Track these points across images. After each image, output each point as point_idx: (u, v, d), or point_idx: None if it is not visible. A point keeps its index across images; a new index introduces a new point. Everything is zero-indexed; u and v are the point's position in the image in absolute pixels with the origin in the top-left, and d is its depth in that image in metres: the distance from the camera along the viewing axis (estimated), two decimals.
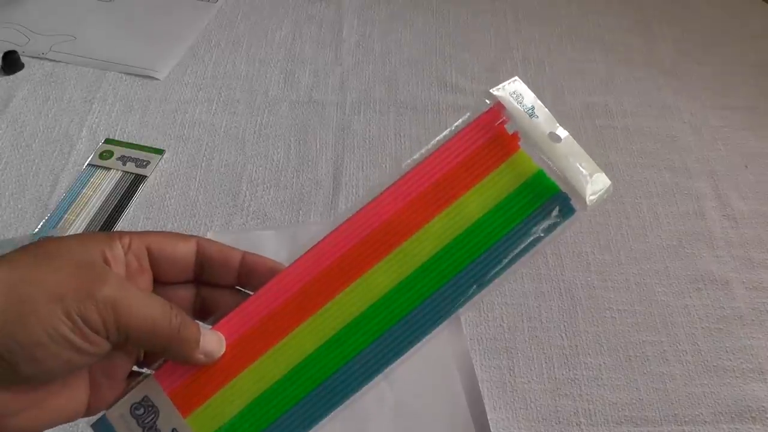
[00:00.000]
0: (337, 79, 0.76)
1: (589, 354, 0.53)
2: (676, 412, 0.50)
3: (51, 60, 0.77)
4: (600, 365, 0.52)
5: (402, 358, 0.31)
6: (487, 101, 0.33)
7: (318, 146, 0.69)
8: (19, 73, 0.75)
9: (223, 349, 0.31)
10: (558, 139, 0.33)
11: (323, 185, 0.65)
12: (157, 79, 0.76)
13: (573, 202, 0.32)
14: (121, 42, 0.80)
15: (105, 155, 0.67)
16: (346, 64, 0.78)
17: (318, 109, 0.72)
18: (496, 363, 0.52)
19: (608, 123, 0.71)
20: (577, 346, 0.53)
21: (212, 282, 0.33)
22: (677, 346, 0.53)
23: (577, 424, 0.49)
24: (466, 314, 0.55)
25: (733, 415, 0.50)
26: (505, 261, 0.32)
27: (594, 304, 0.56)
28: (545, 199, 0.32)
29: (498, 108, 0.33)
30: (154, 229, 0.58)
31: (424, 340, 0.31)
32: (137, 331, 0.27)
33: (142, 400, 0.30)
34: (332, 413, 0.31)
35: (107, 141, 0.68)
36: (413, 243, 0.32)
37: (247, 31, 0.82)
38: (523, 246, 0.32)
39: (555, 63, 0.78)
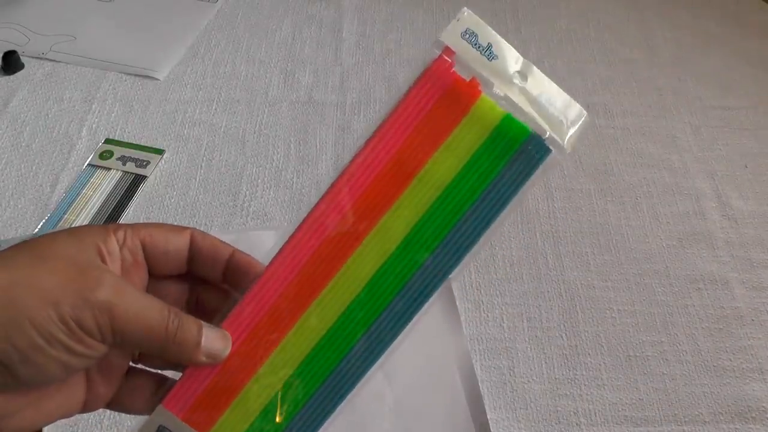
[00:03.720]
0: (337, 79, 0.76)
1: (589, 354, 0.53)
2: (676, 412, 0.50)
3: (51, 60, 0.77)
4: (600, 365, 0.52)
5: (396, 342, 0.30)
6: (437, 51, 0.30)
7: (318, 146, 0.69)
8: (19, 73, 0.75)
9: (229, 348, 0.30)
10: (524, 76, 0.30)
11: (323, 185, 0.65)
12: (157, 79, 0.76)
13: (547, 142, 0.29)
14: (121, 42, 0.80)
15: (105, 155, 0.67)
16: (346, 64, 0.78)
17: (318, 109, 0.72)
18: (496, 363, 0.52)
19: (608, 123, 0.71)
20: (577, 346, 0.53)
21: (201, 276, 0.33)
22: (677, 346, 0.53)
23: (577, 424, 0.49)
24: (466, 314, 0.55)
25: (733, 415, 0.50)
26: (487, 219, 0.30)
27: (594, 304, 0.56)
28: (518, 145, 0.29)
29: (447, 54, 0.29)
30: None
31: (417, 315, 0.30)
32: (133, 335, 0.27)
33: (158, 429, 0.30)
34: (339, 407, 0.31)
35: (107, 141, 0.68)
36: (387, 222, 0.30)
37: (247, 31, 0.82)
38: (502, 200, 0.30)
39: (555, 63, 0.78)
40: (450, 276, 0.30)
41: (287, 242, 0.31)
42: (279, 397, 0.31)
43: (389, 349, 0.30)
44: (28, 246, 0.27)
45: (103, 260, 0.28)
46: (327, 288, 0.31)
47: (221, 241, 0.32)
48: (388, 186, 0.30)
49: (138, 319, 0.27)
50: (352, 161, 0.31)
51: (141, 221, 0.62)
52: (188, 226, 0.32)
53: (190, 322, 0.29)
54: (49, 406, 0.28)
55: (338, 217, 0.31)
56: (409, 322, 0.30)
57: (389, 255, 0.30)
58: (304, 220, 0.31)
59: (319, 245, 0.31)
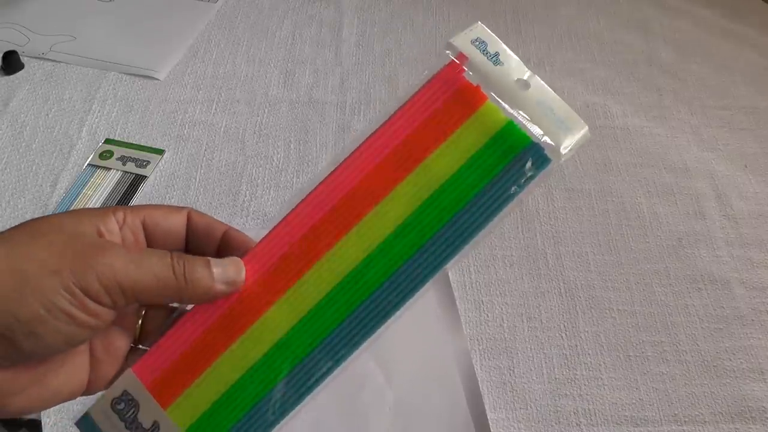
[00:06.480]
0: (337, 79, 0.76)
1: (589, 354, 0.53)
2: (676, 412, 0.50)
3: (51, 60, 0.77)
4: (600, 365, 0.52)
5: (376, 333, 0.30)
6: (448, 53, 0.31)
7: (318, 146, 0.69)
8: (19, 73, 0.75)
9: (244, 272, 0.30)
10: (527, 85, 0.30)
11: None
12: (157, 79, 0.76)
13: (547, 152, 0.30)
14: (121, 42, 0.80)
15: (105, 155, 0.67)
16: (346, 64, 0.78)
17: (318, 109, 0.72)
18: (496, 363, 0.52)
19: (608, 123, 0.71)
20: (577, 346, 0.53)
21: (198, 254, 0.33)
22: (677, 346, 0.53)
23: (577, 424, 0.49)
24: (466, 314, 0.55)
25: (733, 415, 0.50)
26: (479, 222, 0.30)
27: (594, 304, 0.56)
28: (517, 152, 0.30)
29: (460, 59, 0.31)
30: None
31: (398, 313, 0.30)
32: (144, 287, 0.27)
33: (122, 394, 0.30)
34: (308, 397, 0.30)
35: (107, 141, 0.68)
36: (381, 210, 0.31)
37: (247, 31, 0.82)
38: (496, 204, 0.30)
39: (555, 63, 0.78)
40: (439, 272, 0.30)
41: (279, 222, 0.31)
42: (247, 378, 0.30)
43: (367, 341, 0.30)
44: (25, 224, 0.27)
45: (102, 237, 0.29)
46: (311, 270, 0.31)
47: (216, 219, 0.33)
48: (384, 177, 0.31)
49: (143, 271, 0.27)
50: (355, 150, 0.31)
51: None
52: (185, 206, 0.33)
53: (197, 260, 0.29)
54: (53, 384, 0.28)
55: (329, 203, 0.31)
56: (392, 315, 0.30)
57: (377, 245, 0.30)
58: (299, 204, 0.31)
59: (308, 228, 0.31)
